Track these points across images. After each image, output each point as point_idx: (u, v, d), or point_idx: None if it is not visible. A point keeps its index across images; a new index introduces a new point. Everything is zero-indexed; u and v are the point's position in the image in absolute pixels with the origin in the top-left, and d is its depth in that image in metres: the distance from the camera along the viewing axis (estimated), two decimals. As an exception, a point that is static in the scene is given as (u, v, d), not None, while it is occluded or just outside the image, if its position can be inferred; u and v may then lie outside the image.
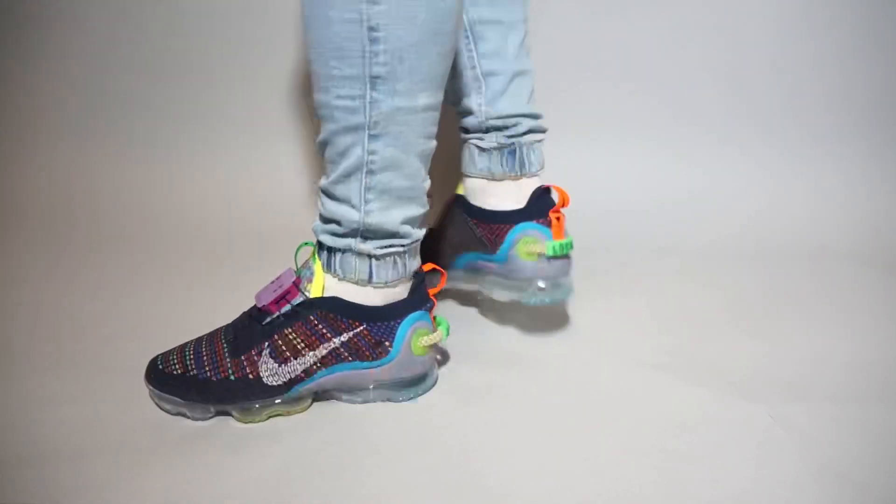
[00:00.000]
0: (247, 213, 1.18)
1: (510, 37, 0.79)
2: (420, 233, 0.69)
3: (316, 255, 0.68)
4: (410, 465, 0.58)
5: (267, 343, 0.65)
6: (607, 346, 0.78)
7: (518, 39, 0.80)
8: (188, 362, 0.65)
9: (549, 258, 0.76)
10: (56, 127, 1.29)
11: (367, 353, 0.67)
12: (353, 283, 0.67)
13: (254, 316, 0.67)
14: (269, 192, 1.20)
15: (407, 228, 0.67)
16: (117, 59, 1.24)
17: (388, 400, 0.68)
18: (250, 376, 0.64)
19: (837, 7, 1.06)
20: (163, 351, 0.69)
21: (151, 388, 0.66)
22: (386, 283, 0.67)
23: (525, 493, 0.55)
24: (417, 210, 0.68)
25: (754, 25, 1.09)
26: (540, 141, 0.82)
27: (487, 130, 0.80)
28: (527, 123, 0.80)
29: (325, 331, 0.65)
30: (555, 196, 0.79)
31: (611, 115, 1.15)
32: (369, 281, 0.66)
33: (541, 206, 0.78)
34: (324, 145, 0.65)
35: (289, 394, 0.65)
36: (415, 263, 0.69)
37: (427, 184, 0.68)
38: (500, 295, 0.80)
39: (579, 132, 1.16)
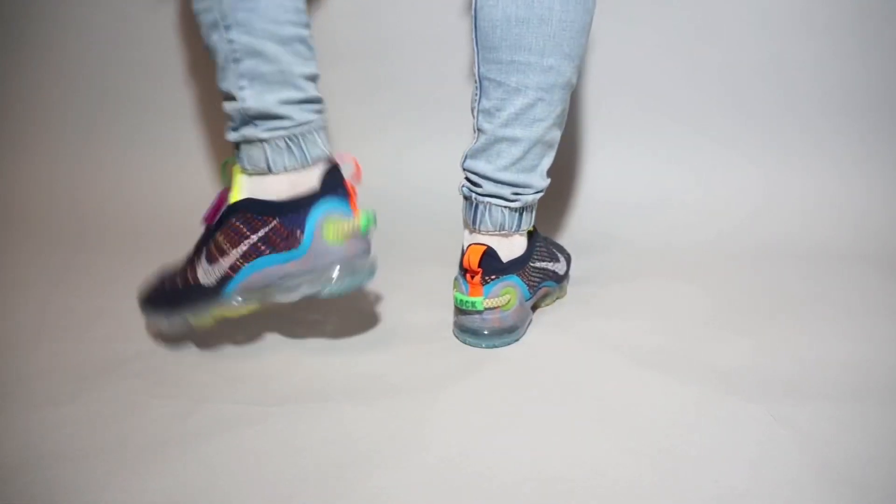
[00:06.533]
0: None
1: (511, 101, 0.74)
2: (305, 115, 0.73)
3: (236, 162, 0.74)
4: (410, 465, 0.58)
5: (204, 249, 0.73)
6: (605, 345, 0.78)
7: (517, 106, 0.74)
8: (160, 282, 0.76)
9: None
10: (55, 127, 1.29)
11: (282, 245, 0.71)
12: (259, 174, 0.73)
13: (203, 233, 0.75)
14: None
15: (287, 109, 0.72)
16: (117, 59, 1.24)
17: (316, 295, 0.71)
18: (191, 281, 0.73)
19: (836, 7, 1.06)
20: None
21: (141, 310, 0.76)
22: (285, 168, 0.72)
23: (524, 494, 0.55)
24: (293, 93, 0.72)
25: (751, 25, 1.08)
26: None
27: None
28: None
29: (244, 229, 0.72)
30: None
31: (606, 115, 1.15)
32: (269, 170, 0.72)
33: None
34: (208, 50, 0.73)
35: (225, 292, 0.72)
36: (317, 151, 0.74)
37: (302, 69, 0.73)
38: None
39: (575, 132, 1.16)
